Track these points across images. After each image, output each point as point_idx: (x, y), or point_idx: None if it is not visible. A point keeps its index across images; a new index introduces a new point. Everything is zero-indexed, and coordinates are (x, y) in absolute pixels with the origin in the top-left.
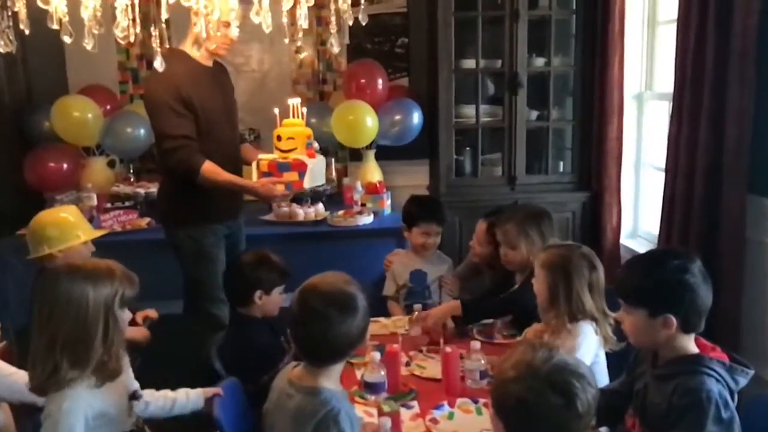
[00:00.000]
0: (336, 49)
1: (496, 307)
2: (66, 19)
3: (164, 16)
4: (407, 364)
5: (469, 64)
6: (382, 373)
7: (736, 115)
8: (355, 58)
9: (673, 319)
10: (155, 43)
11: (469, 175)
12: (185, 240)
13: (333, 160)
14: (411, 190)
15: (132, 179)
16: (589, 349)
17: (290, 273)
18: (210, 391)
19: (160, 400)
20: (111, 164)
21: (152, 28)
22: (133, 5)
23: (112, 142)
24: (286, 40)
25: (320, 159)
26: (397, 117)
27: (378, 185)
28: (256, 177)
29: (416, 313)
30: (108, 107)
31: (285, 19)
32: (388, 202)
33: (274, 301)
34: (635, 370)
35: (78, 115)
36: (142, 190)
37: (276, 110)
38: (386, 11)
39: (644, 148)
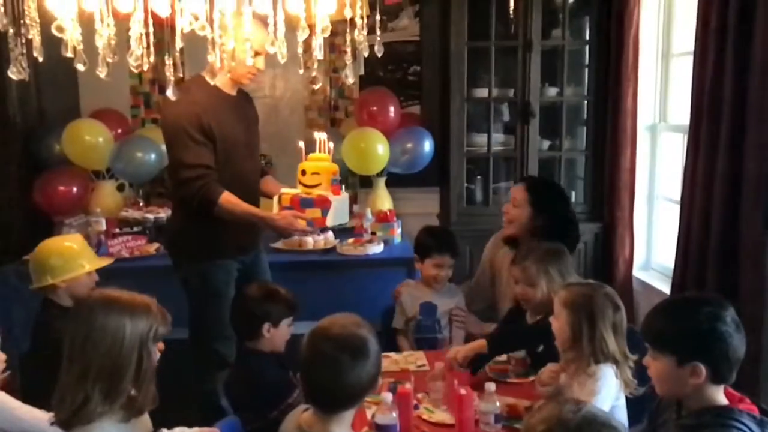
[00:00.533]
0: (351, 80)
1: (526, 337)
2: (80, 47)
3: (179, 45)
4: (416, 407)
5: (482, 93)
6: (394, 415)
7: (755, 150)
8: (367, 85)
9: (703, 369)
10: (169, 72)
11: (480, 204)
12: (193, 276)
13: (343, 186)
14: (421, 218)
15: (141, 204)
16: (609, 392)
17: (298, 304)
18: (206, 431)
19: None
20: (120, 188)
21: (166, 56)
22: (147, 34)
23: (122, 167)
24: (301, 71)
25: (344, 196)
26: (409, 145)
27: (388, 213)
28: (277, 211)
29: (436, 366)
30: (119, 131)
31: (300, 49)
32: (399, 230)
33: (282, 333)
34: (657, 419)
35: (89, 138)
36: (151, 216)
37: (301, 143)
38: (399, 39)
39: (658, 179)
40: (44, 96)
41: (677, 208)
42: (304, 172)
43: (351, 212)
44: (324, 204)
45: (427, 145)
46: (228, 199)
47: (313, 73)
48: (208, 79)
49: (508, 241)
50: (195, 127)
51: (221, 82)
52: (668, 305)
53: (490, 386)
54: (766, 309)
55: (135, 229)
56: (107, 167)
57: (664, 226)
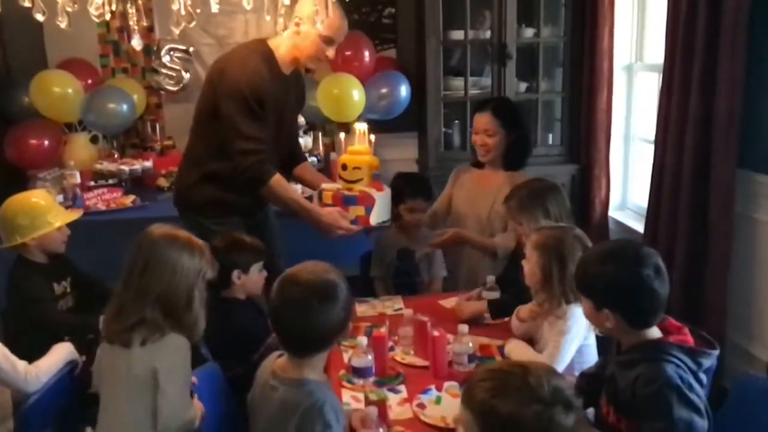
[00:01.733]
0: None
1: (518, 300)
2: None
3: None
4: (391, 349)
5: (458, 35)
6: (369, 357)
7: (727, 89)
8: None
9: (611, 316)
10: (132, 20)
11: (458, 149)
12: (197, 231)
13: (320, 134)
14: (400, 164)
15: (116, 155)
16: (578, 332)
17: (264, 249)
18: None
19: None
20: (94, 140)
21: (128, 4)
22: None
23: (93, 118)
24: (268, 17)
25: (387, 192)
26: (384, 90)
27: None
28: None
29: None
30: (89, 81)
31: None
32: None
33: (253, 279)
34: (608, 355)
35: (58, 90)
36: (126, 167)
37: (342, 135)
38: None
39: (634, 120)
40: (9, 48)
41: (653, 149)
42: (345, 167)
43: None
44: (368, 201)
45: (404, 90)
46: (279, 181)
47: (280, 20)
48: (280, 51)
49: (475, 164)
50: (256, 99)
51: (282, 56)
52: (593, 252)
53: (463, 327)
54: (736, 244)
55: (110, 181)
56: (79, 119)
57: (640, 167)
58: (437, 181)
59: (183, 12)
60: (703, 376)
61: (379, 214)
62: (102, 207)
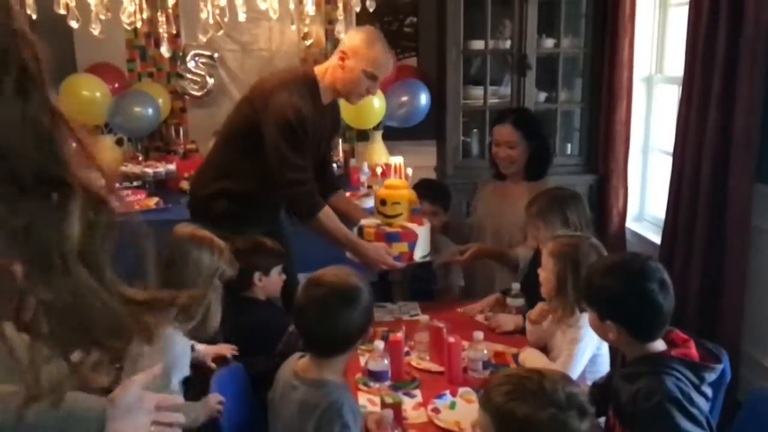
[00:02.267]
0: (342, 35)
1: None
2: (73, 3)
3: (171, 1)
4: (407, 354)
5: (478, 45)
6: (386, 362)
7: (746, 105)
8: None
9: (614, 328)
10: (162, 28)
11: (476, 157)
12: None
13: (340, 141)
14: (418, 171)
15: (140, 158)
16: (591, 340)
17: (285, 252)
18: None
19: None
20: (119, 143)
21: (159, 12)
22: None
23: (120, 121)
24: (293, 27)
25: (427, 226)
26: (405, 98)
27: (384, 168)
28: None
29: (421, 319)
30: (116, 85)
31: (292, 5)
32: None
33: (274, 281)
34: (615, 366)
35: (86, 93)
36: (150, 170)
37: (379, 168)
38: None
39: (653, 131)
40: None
41: (671, 160)
42: (384, 202)
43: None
44: (411, 238)
45: (423, 99)
46: (328, 214)
47: (305, 29)
48: (324, 82)
49: (497, 175)
50: (302, 129)
51: (324, 86)
52: (599, 263)
53: (478, 334)
54: (752, 258)
55: (135, 183)
56: (105, 122)
57: (658, 178)
58: (455, 189)
59: (211, 21)
60: (707, 390)
61: (422, 249)
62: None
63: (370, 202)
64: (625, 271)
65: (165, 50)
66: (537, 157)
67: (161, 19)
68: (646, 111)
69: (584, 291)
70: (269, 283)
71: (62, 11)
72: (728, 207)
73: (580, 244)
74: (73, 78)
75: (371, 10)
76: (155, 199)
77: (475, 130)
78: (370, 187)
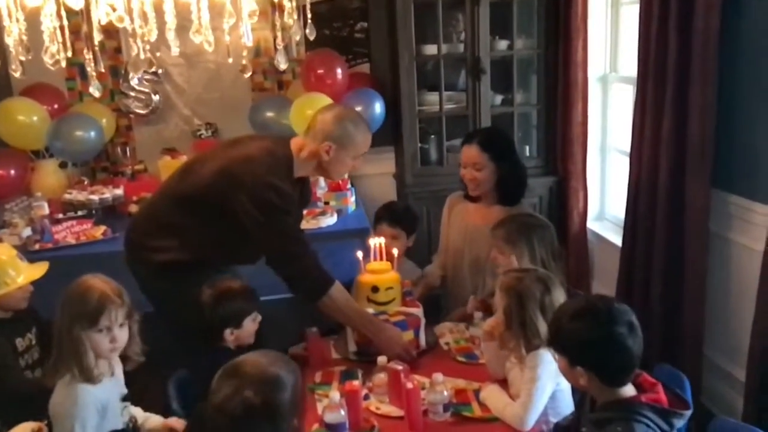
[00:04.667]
0: (283, 66)
1: None
2: None
3: (97, 38)
4: (366, 398)
5: (431, 49)
6: (342, 413)
7: (700, 113)
8: (313, 44)
9: (585, 374)
10: (89, 67)
11: (435, 164)
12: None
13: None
14: (378, 179)
15: (86, 182)
16: (549, 377)
17: (255, 294)
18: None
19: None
20: (63, 165)
21: (85, 51)
22: (62, 27)
23: (60, 146)
24: (230, 59)
25: (420, 309)
26: (359, 108)
27: (341, 182)
28: (355, 339)
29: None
30: (55, 106)
31: (227, 37)
32: (353, 199)
33: (247, 331)
34: (582, 408)
35: (23, 118)
36: (96, 197)
37: (359, 253)
38: None
39: (609, 131)
40: None
41: (628, 162)
42: (376, 289)
43: None
44: (416, 324)
45: (378, 107)
46: (340, 289)
47: (243, 61)
48: (300, 159)
49: (468, 196)
50: (287, 203)
51: (300, 163)
52: (567, 308)
53: (438, 376)
54: (711, 265)
55: (80, 213)
56: (45, 146)
57: (617, 178)
58: (416, 197)
59: (142, 56)
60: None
61: (423, 334)
62: (72, 240)
63: (327, 221)
64: (593, 316)
65: (94, 89)
66: (510, 180)
67: (88, 57)
68: (602, 110)
69: (552, 336)
70: (242, 334)
71: None
72: (686, 212)
73: (525, 278)
74: (8, 102)
75: (311, 38)
76: (102, 228)
77: (432, 137)
78: (326, 203)
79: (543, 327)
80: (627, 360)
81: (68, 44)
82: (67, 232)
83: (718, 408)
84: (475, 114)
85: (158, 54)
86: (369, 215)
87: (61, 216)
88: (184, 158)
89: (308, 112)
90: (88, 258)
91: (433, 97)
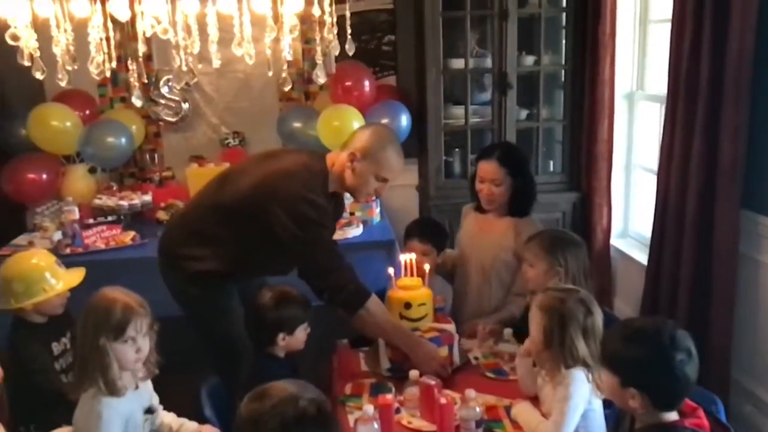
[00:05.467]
0: (321, 80)
1: None
2: (37, 54)
3: (141, 49)
4: (397, 411)
5: (458, 64)
6: (376, 426)
7: (731, 133)
8: (341, 56)
9: (639, 397)
10: (133, 78)
11: (459, 177)
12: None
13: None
14: (401, 190)
15: (115, 188)
16: (582, 396)
17: (310, 304)
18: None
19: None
20: (92, 170)
21: (129, 61)
22: (107, 38)
23: (92, 151)
24: (270, 73)
25: (453, 324)
26: (385, 120)
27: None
28: (389, 356)
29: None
30: (87, 112)
31: (269, 51)
32: (378, 210)
33: (298, 339)
34: (618, 429)
35: (56, 124)
36: (125, 202)
37: (390, 270)
38: (372, 8)
39: (635, 148)
40: (6, 81)
41: (654, 178)
42: (409, 305)
43: None
44: (450, 340)
45: (404, 120)
46: (377, 302)
47: (283, 74)
48: (333, 178)
49: (479, 207)
50: (325, 222)
51: (333, 179)
52: (625, 327)
53: (470, 392)
54: (739, 285)
55: (109, 218)
56: (77, 151)
57: (641, 195)
58: (439, 210)
59: (185, 68)
60: None
61: (456, 351)
62: (101, 245)
63: (353, 231)
64: (655, 340)
65: (136, 99)
66: (521, 194)
67: (132, 67)
68: (628, 128)
69: (606, 356)
70: (293, 341)
71: (26, 62)
72: (715, 232)
73: (568, 299)
74: (42, 108)
75: (351, 53)
76: (131, 234)
77: (456, 150)
78: (352, 213)
79: (583, 349)
80: (683, 385)
81: (113, 55)
82: (97, 237)
83: (745, 431)
84: (501, 128)
85: (194, 80)
86: (392, 227)
87: (91, 221)
88: (211, 166)
89: (335, 123)
90: (117, 263)
91: (458, 110)
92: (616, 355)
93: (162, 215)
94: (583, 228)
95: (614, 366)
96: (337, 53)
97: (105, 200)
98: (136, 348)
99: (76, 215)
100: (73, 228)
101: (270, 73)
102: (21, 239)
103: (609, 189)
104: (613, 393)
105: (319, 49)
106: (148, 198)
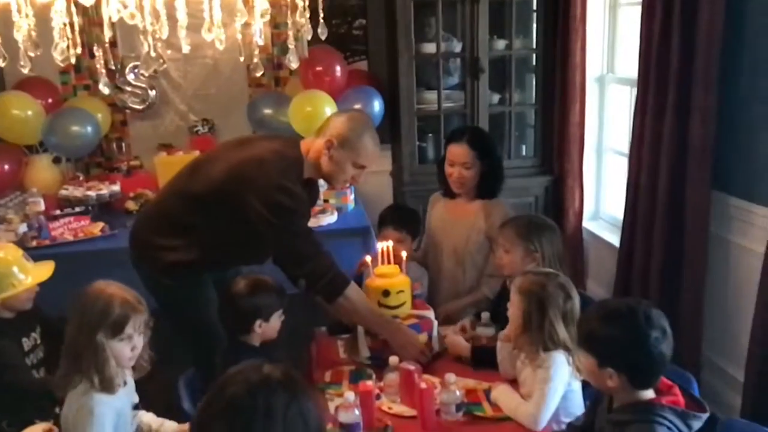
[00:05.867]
0: (294, 65)
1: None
2: None
3: (107, 35)
4: (378, 397)
5: (430, 48)
6: (357, 413)
7: (702, 112)
8: (312, 41)
9: (616, 376)
10: (99, 64)
11: (432, 162)
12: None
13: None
14: (375, 176)
15: (81, 178)
16: (562, 378)
17: (285, 291)
18: None
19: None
20: (56, 161)
21: (95, 47)
22: (71, 24)
23: (56, 141)
24: (242, 58)
25: (431, 310)
26: (357, 106)
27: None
28: (368, 344)
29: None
30: (49, 101)
31: (239, 36)
32: (352, 197)
33: (273, 326)
34: (596, 408)
35: (17, 113)
36: (93, 193)
37: (368, 257)
38: None
39: (606, 131)
40: None
41: (625, 160)
42: (387, 293)
43: None
44: (429, 326)
45: (377, 105)
46: (356, 289)
47: (255, 60)
48: (309, 163)
49: (448, 193)
50: (301, 204)
51: (307, 165)
52: (600, 308)
53: (450, 376)
54: (710, 264)
55: (77, 209)
56: (40, 141)
57: (613, 178)
58: (413, 196)
59: (153, 53)
60: None
61: (437, 339)
62: (69, 237)
63: (327, 219)
64: (630, 320)
65: (104, 87)
66: (490, 176)
67: (98, 54)
68: (599, 111)
69: (583, 337)
70: (268, 328)
71: None
72: (686, 214)
73: (548, 283)
74: (2, 96)
75: (323, 38)
76: (101, 225)
77: (430, 135)
78: (326, 201)
79: (562, 333)
80: (659, 363)
81: (77, 41)
82: (65, 229)
83: (715, 407)
84: (473, 113)
85: (164, 66)
86: (366, 213)
87: (57, 212)
88: (180, 154)
89: (308, 109)
90: (87, 255)
91: (431, 95)
92: (592, 335)
93: (131, 205)
94: (556, 211)
95: (591, 347)
96: (309, 38)
97: (72, 191)
98: (131, 346)
99: (42, 207)
100: (39, 220)
101: (242, 59)
102: None
103: (581, 172)
104: (590, 374)
105: (291, 33)
106: (116, 188)
